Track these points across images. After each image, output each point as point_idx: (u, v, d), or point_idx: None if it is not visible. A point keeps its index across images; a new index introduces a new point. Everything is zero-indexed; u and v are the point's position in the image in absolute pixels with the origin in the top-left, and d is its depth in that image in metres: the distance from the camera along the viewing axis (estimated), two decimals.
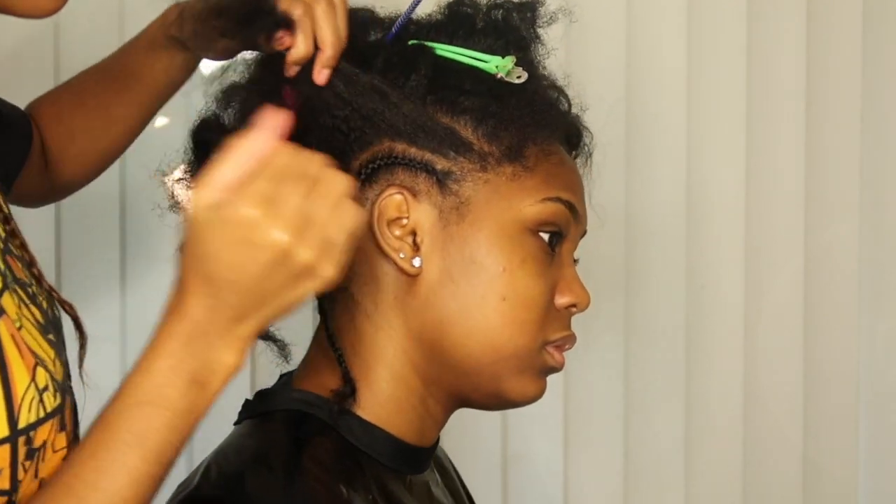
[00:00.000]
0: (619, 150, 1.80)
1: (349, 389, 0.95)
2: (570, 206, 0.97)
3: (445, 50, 0.97)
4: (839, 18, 1.96)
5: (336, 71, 0.94)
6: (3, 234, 0.91)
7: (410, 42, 0.98)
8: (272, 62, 0.96)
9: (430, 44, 0.97)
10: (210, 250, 0.78)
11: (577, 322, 1.80)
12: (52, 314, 0.94)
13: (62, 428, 0.85)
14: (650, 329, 1.87)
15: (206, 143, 0.96)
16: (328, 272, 0.80)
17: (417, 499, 0.98)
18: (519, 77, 0.96)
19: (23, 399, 0.82)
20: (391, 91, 0.94)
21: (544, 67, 1.03)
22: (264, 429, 0.96)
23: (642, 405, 1.86)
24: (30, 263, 0.93)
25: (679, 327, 1.88)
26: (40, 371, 0.84)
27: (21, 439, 0.82)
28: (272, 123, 0.79)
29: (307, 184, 0.79)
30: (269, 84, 0.96)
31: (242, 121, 0.96)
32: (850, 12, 1.97)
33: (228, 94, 0.98)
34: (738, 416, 1.92)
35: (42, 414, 0.83)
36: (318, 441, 0.94)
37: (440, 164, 0.94)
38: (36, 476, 0.84)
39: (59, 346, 0.93)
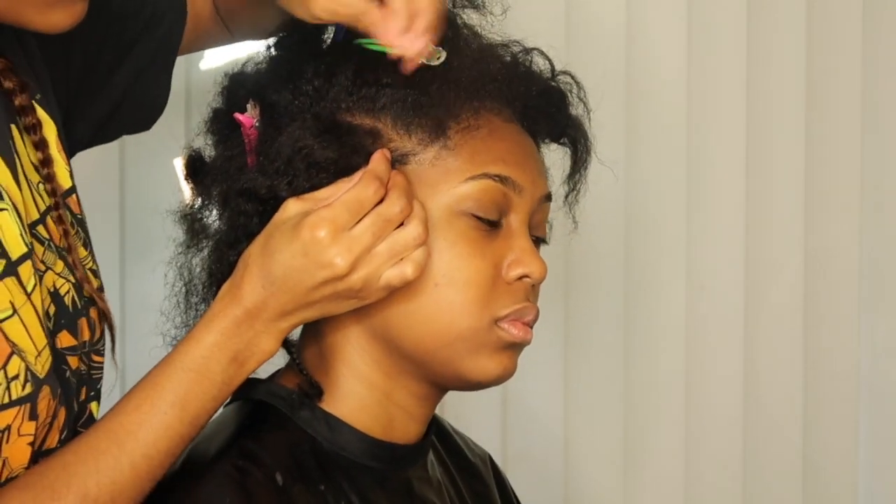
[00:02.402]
0: (620, 150, 1.80)
1: (314, 392, 0.98)
2: (503, 179, 0.96)
3: (370, 44, 0.95)
4: (839, 18, 1.96)
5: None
6: (39, 216, 0.96)
7: (339, 41, 0.99)
8: (231, 88, 1.02)
9: (360, 41, 0.96)
10: (277, 252, 0.90)
11: (577, 322, 1.81)
12: (78, 303, 0.99)
13: (33, 417, 0.91)
14: (650, 329, 1.87)
15: (194, 177, 1.03)
16: (369, 300, 0.92)
17: (392, 495, 0.98)
18: (438, 58, 0.95)
19: None
20: (307, 111, 0.95)
21: (472, 33, 1.02)
22: (222, 414, 1.01)
23: (642, 405, 1.86)
24: (67, 250, 0.98)
25: (679, 327, 1.88)
26: (14, 360, 0.89)
27: None
28: (380, 167, 0.92)
29: (383, 224, 0.91)
30: (232, 111, 1.00)
31: (217, 146, 1.02)
32: (850, 12, 1.96)
33: (209, 124, 1.04)
34: (738, 416, 1.91)
35: (6, 400, 0.89)
36: (264, 430, 0.97)
37: (355, 162, 0.94)
38: None
39: (57, 333, 0.96)
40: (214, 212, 1.02)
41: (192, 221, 1.02)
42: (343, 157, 0.94)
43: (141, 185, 1.60)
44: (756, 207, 1.91)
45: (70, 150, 1.07)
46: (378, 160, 0.93)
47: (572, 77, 1.06)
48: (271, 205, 0.94)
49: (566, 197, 1.08)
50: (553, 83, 1.05)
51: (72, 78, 1.06)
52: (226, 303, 0.92)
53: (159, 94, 1.14)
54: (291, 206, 0.92)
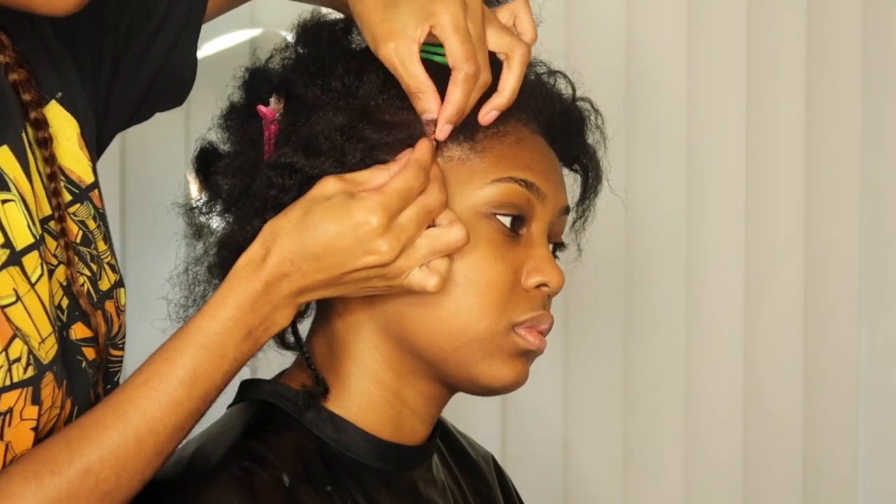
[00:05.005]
0: (620, 151, 1.80)
1: (320, 388, 0.98)
2: (528, 185, 0.96)
3: (433, 54, 0.97)
4: (839, 18, 1.96)
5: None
6: (52, 211, 0.96)
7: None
8: (253, 82, 1.02)
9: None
10: (318, 229, 0.89)
11: (577, 322, 1.81)
12: (94, 296, 0.99)
13: (35, 402, 0.90)
14: (650, 329, 1.87)
15: (205, 170, 1.03)
16: (389, 292, 0.92)
17: (397, 496, 0.98)
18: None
19: None
20: (338, 103, 0.96)
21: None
22: (227, 416, 1.00)
23: (642, 405, 1.86)
24: (66, 246, 0.98)
25: (679, 327, 1.88)
26: (16, 343, 0.89)
27: None
28: (425, 157, 0.92)
29: (426, 216, 0.90)
30: (253, 105, 1.00)
31: (239, 143, 1.01)
32: (850, 12, 1.97)
33: (226, 118, 1.04)
34: (738, 416, 1.91)
35: (8, 382, 0.88)
36: (270, 431, 0.97)
37: (385, 159, 0.94)
38: (1, 438, 0.89)
39: (64, 326, 0.96)
40: (219, 208, 1.02)
41: (197, 216, 1.02)
42: (368, 150, 0.94)
43: (141, 176, 1.60)
44: (756, 207, 1.91)
45: (107, 138, 1.08)
46: (423, 149, 0.93)
47: (591, 104, 1.08)
48: (307, 181, 0.93)
49: (573, 224, 1.09)
50: (574, 106, 1.06)
51: (104, 69, 1.06)
52: (244, 276, 0.91)
53: (186, 69, 1.13)
54: (331, 185, 0.90)
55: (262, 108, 0.98)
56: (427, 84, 0.93)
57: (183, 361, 0.90)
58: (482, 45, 0.94)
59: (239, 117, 1.03)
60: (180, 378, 0.90)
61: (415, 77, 0.93)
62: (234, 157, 1.00)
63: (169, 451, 0.91)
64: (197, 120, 1.48)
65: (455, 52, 0.92)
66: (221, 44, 1.54)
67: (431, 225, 0.92)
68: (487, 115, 0.95)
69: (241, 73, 1.04)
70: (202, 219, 1.03)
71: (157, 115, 1.18)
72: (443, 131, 0.93)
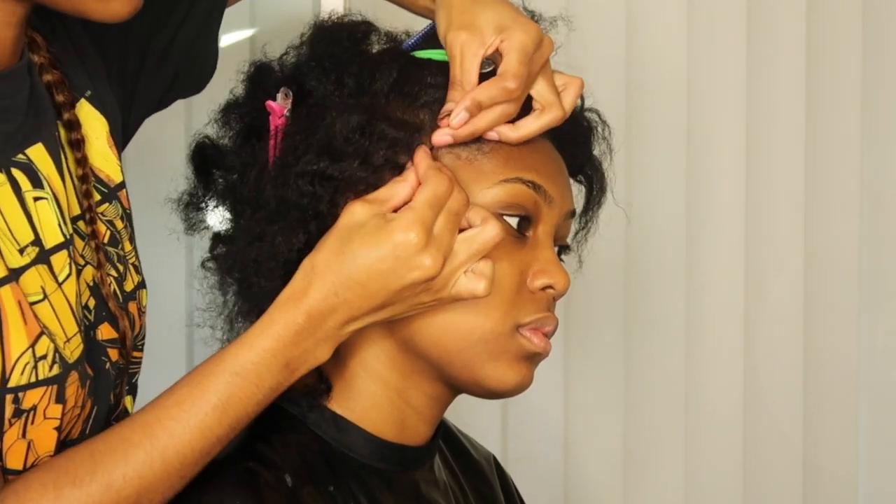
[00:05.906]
0: (620, 151, 1.79)
1: (324, 388, 0.98)
2: (535, 187, 0.96)
3: (423, 53, 0.99)
4: (839, 18, 1.96)
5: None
6: (81, 211, 0.97)
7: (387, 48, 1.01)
8: (259, 77, 1.02)
9: (419, 53, 1.00)
10: (360, 257, 0.88)
11: (577, 322, 1.81)
12: (119, 297, 1.00)
13: (60, 400, 0.90)
14: (650, 329, 1.87)
15: (203, 165, 1.03)
16: (437, 306, 0.92)
17: (399, 496, 0.98)
18: (486, 68, 0.97)
19: (17, 361, 0.88)
20: (349, 101, 0.96)
21: None
22: None
23: (642, 405, 1.86)
24: (114, 243, 0.99)
25: (679, 327, 1.88)
26: (43, 340, 0.89)
27: (9, 397, 0.88)
28: (431, 161, 0.91)
29: (454, 220, 0.90)
30: (258, 100, 0.99)
31: (241, 138, 1.01)
32: (850, 12, 1.97)
33: (226, 113, 1.03)
34: (738, 416, 1.92)
35: (34, 379, 0.88)
36: (274, 432, 0.97)
37: (401, 158, 0.94)
38: (24, 436, 0.89)
39: (93, 326, 0.97)
40: (215, 201, 1.02)
41: (195, 210, 1.02)
42: (390, 148, 0.94)
43: (141, 175, 1.60)
44: (756, 207, 1.91)
45: (132, 129, 1.09)
46: (423, 156, 0.93)
47: (599, 115, 1.08)
48: (339, 186, 0.93)
49: (574, 235, 1.08)
50: (581, 116, 1.06)
51: (130, 64, 1.07)
52: (286, 309, 0.90)
53: (208, 59, 1.14)
54: (360, 210, 0.90)
55: (270, 103, 0.98)
56: (473, 83, 0.94)
57: (216, 388, 0.89)
58: (529, 83, 0.95)
59: (240, 112, 1.02)
60: (213, 404, 0.89)
61: (467, 72, 0.94)
62: (234, 154, 1.00)
63: (192, 475, 0.90)
64: (198, 118, 1.48)
65: (510, 66, 0.94)
66: (221, 42, 1.55)
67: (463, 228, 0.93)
68: (491, 134, 0.96)
69: (247, 68, 1.04)
70: (197, 213, 1.03)
71: (158, 112, 1.18)
72: (457, 118, 0.93)
